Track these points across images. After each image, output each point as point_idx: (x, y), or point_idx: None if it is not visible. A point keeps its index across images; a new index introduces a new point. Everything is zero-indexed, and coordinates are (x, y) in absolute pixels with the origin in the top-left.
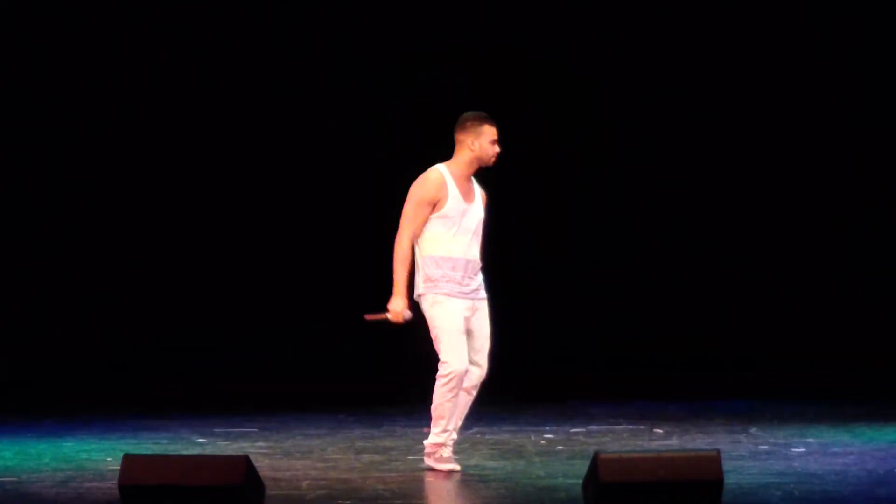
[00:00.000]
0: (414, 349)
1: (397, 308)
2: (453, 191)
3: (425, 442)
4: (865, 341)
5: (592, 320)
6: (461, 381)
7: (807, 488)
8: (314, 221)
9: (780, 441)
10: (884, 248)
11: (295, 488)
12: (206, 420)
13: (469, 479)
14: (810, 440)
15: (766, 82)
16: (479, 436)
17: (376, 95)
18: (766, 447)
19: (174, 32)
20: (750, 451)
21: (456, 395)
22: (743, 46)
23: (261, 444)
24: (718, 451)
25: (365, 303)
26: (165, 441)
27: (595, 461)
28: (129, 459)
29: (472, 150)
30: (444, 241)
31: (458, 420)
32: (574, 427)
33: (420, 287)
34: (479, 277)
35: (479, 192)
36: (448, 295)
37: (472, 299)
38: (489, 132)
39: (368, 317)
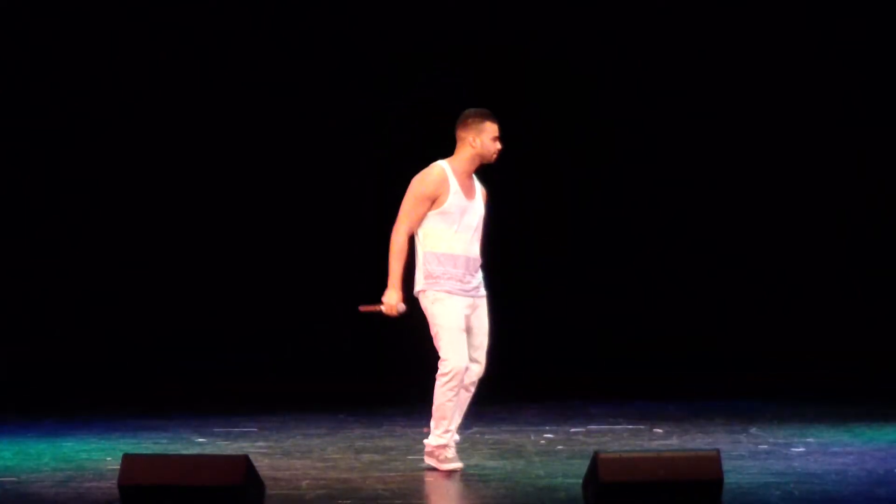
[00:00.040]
0: (414, 349)
1: (392, 300)
2: (454, 187)
3: (426, 442)
4: (865, 341)
5: (592, 320)
6: (462, 378)
7: (806, 488)
8: (314, 221)
9: (779, 441)
10: (884, 248)
11: (295, 488)
12: (205, 420)
13: (469, 479)
14: (810, 440)
15: (766, 82)
16: (479, 436)
17: (376, 95)
18: (765, 447)
19: (174, 32)
20: (750, 451)
21: (457, 394)
22: (743, 46)
23: (261, 443)
24: (718, 450)
25: (365, 303)
26: (165, 441)
27: (595, 461)
28: (128, 459)
29: (473, 147)
30: (445, 237)
31: (458, 418)
32: (574, 427)
33: (420, 283)
34: (480, 275)
35: (479, 190)
36: (449, 292)
37: (473, 297)
38: (491, 129)
39: (363, 308)
